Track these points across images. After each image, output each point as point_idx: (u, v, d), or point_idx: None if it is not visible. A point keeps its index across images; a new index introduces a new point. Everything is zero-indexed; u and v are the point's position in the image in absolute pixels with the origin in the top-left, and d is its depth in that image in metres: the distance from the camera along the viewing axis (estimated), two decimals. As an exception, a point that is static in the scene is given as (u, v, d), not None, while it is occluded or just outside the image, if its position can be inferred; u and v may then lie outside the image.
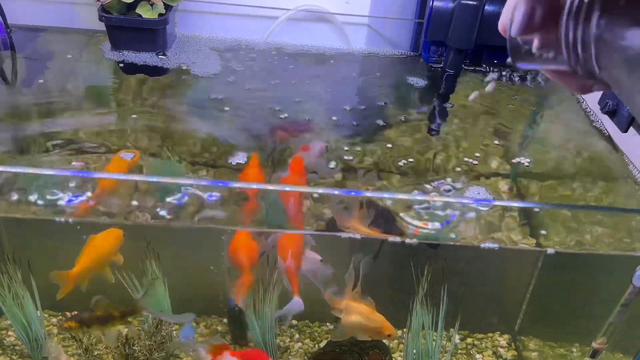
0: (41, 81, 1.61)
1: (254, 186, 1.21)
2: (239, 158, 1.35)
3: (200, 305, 1.86)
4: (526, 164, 1.45)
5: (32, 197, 1.17)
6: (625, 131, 1.32)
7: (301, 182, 1.28)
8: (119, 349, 1.41)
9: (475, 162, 1.44)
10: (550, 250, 1.26)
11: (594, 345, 1.27)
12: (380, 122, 1.51)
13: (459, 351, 1.90)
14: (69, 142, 1.39)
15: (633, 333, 1.25)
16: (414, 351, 1.66)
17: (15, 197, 1.17)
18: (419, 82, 1.70)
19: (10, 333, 1.82)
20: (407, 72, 1.76)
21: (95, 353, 1.49)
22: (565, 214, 1.31)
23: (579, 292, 1.59)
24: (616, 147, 1.42)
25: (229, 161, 1.35)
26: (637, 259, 1.09)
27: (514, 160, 1.47)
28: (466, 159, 1.42)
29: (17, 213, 1.22)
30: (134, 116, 1.48)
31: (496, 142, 1.51)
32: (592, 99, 1.53)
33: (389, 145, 1.44)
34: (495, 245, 1.24)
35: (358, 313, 1.44)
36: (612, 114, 1.38)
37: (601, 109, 1.41)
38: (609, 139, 1.47)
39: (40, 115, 1.51)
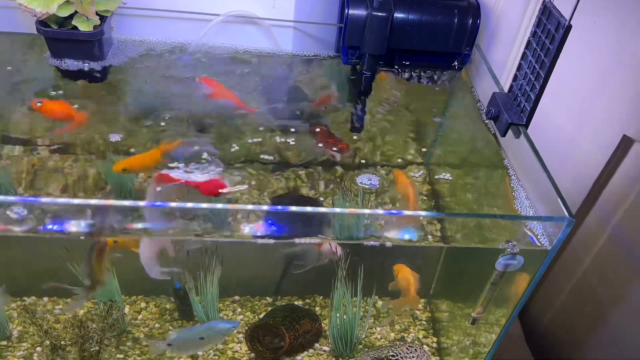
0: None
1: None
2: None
3: (149, 286, 2.06)
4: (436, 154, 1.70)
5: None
6: (504, 136, 1.56)
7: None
8: (75, 331, 1.60)
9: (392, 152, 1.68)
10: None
11: (473, 314, 1.55)
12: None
13: (381, 315, 2.19)
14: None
15: (502, 302, 1.53)
16: (337, 315, 1.94)
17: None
18: (340, 81, 1.90)
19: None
20: (329, 73, 1.95)
21: (54, 334, 1.68)
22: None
23: (469, 270, 1.87)
24: (499, 144, 1.67)
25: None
26: (499, 250, 1.35)
27: (425, 150, 1.72)
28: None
29: None
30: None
31: (410, 135, 1.74)
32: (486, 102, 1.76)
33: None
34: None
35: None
36: (494, 119, 1.61)
37: (485, 114, 1.64)
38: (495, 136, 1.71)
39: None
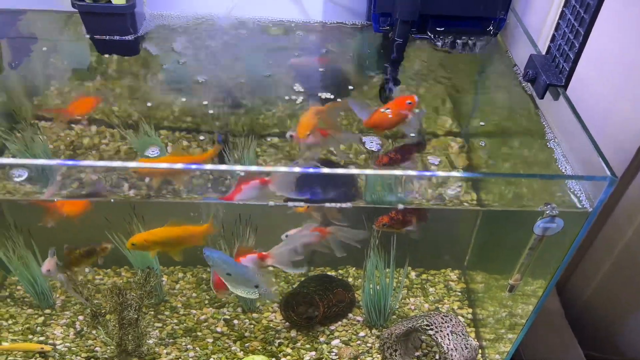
0: (29, 63, 1.76)
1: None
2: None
3: (187, 257, 2.10)
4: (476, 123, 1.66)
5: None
6: (542, 98, 1.51)
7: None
8: (113, 298, 1.65)
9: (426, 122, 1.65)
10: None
11: (510, 281, 1.53)
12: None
13: (414, 286, 2.18)
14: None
15: (540, 271, 1.50)
16: (370, 288, 1.94)
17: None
18: (371, 50, 1.88)
19: (19, 287, 2.08)
20: (362, 41, 1.92)
21: (95, 302, 1.73)
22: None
23: (506, 237, 1.83)
24: (537, 107, 1.62)
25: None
26: (538, 213, 1.32)
27: (460, 119, 1.68)
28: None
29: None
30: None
31: (445, 103, 1.71)
32: (523, 66, 1.71)
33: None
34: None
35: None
36: (532, 81, 1.57)
37: (523, 77, 1.60)
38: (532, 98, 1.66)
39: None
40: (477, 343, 1.80)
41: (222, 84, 1.73)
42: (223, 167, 1.34)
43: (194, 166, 1.26)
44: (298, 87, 1.70)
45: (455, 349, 1.72)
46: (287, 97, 1.66)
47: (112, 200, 1.38)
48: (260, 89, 1.73)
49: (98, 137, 1.66)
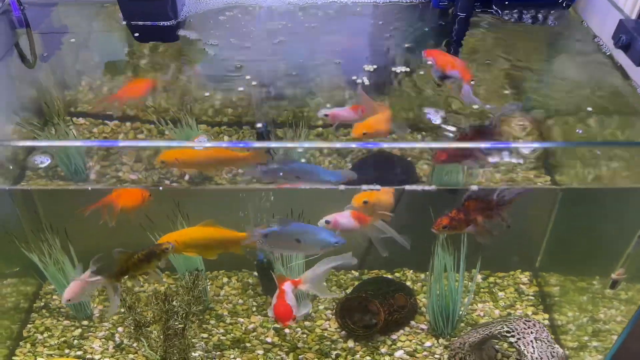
0: (60, 55, 1.65)
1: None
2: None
3: (231, 261, 1.94)
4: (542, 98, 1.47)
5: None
6: (639, 65, 1.31)
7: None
8: (158, 306, 1.49)
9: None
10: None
11: (614, 276, 1.32)
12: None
13: (481, 290, 1.97)
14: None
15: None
16: (437, 292, 1.74)
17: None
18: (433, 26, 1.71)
19: (54, 297, 1.94)
20: (421, 19, 1.75)
21: (138, 310, 1.58)
22: (580, 151, 1.33)
23: (596, 226, 1.62)
24: (629, 78, 1.42)
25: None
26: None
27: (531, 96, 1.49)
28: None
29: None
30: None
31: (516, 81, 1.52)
32: (606, 35, 1.51)
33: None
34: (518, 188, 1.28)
35: None
36: (625, 48, 1.37)
37: (615, 44, 1.40)
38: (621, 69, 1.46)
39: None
40: (564, 351, 1.59)
41: (266, 73, 1.57)
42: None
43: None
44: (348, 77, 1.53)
45: (541, 358, 1.51)
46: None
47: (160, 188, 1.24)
48: (305, 78, 1.58)
49: (133, 133, 1.53)
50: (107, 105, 1.50)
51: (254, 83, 1.49)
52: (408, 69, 1.52)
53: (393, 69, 1.52)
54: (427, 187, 1.27)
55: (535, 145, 1.37)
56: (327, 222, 1.37)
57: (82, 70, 1.66)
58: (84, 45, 1.72)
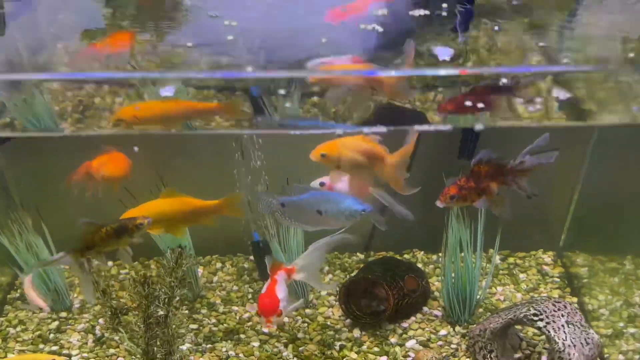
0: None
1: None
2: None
3: (225, 244, 1.78)
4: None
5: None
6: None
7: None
8: (137, 289, 1.31)
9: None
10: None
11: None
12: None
13: (500, 272, 1.79)
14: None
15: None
16: (452, 274, 1.55)
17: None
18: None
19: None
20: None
21: (114, 295, 1.40)
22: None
23: (628, 191, 1.43)
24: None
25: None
26: None
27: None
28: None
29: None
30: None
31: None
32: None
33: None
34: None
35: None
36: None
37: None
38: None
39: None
40: (599, 337, 1.40)
41: (259, 37, 1.40)
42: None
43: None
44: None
45: (574, 345, 1.32)
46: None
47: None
48: (298, 42, 1.40)
49: (111, 97, 1.37)
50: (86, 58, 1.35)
51: (245, 48, 1.34)
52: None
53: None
54: (440, 127, 1.09)
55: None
56: (321, 184, 1.20)
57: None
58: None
